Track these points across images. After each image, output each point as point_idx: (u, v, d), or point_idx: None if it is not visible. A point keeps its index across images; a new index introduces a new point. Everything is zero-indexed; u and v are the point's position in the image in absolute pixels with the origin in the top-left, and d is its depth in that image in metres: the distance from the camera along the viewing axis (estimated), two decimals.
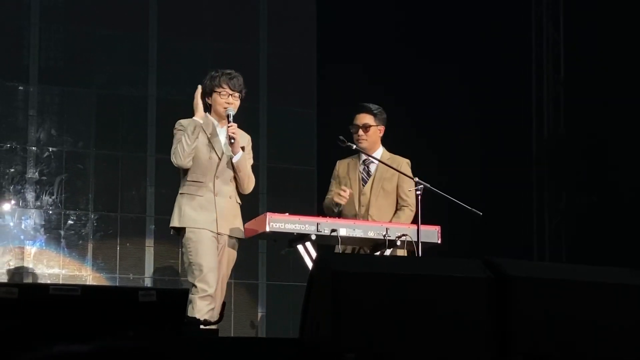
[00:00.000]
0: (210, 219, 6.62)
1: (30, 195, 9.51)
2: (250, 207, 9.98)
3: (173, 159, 6.69)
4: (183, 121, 6.79)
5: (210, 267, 6.51)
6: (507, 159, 10.74)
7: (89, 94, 9.80)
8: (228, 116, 6.72)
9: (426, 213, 6.77)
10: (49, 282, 9.13)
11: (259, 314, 10.05)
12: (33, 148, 9.58)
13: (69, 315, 3.79)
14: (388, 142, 7.47)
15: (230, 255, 6.77)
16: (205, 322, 4.54)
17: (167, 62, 10.05)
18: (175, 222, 6.69)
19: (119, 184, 9.74)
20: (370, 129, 7.25)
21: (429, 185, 6.84)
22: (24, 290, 3.86)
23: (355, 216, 7.12)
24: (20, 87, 9.63)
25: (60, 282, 9.16)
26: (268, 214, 6.65)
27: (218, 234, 6.64)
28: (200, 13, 10.27)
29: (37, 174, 9.55)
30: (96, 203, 9.62)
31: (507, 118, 10.85)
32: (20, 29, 9.68)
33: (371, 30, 10.45)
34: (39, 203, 9.52)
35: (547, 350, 4.35)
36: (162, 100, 9.95)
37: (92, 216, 9.59)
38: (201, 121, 6.69)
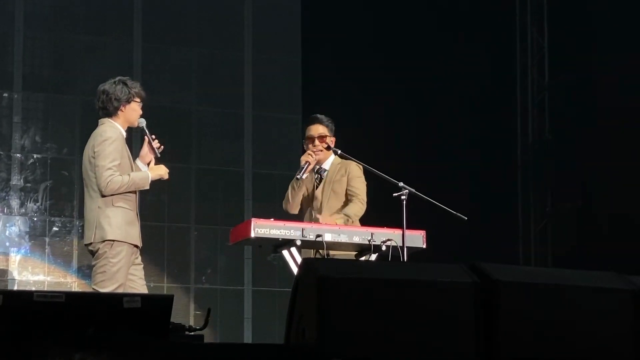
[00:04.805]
0: (137, 234, 6.57)
1: (14, 202, 9.48)
2: (235, 212, 10.02)
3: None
4: (115, 159, 6.62)
5: (123, 285, 6.43)
6: (492, 164, 10.76)
7: (74, 101, 9.77)
8: (142, 128, 6.77)
9: (411, 218, 6.78)
10: (33, 289, 9.10)
11: (245, 320, 10.03)
12: (18, 155, 9.55)
13: (53, 321, 3.78)
14: (375, 146, 7.49)
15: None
16: (191, 328, 4.53)
17: (152, 68, 10.03)
18: (111, 235, 6.44)
19: None
20: (326, 139, 7.32)
21: (414, 190, 6.85)
22: (8, 297, 3.84)
23: (310, 219, 7.18)
24: (5, 94, 9.60)
25: (45, 289, 9.13)
26: (253, 219, 6.66)
27: (138, 247, 6.60)
28: (185, 19, 10.26)
29: (21, 180, 9.52)
30: (81, 210, 9.55)
31: (492, 123, 10.87)
32: (5, 35, 9.65)
33: (356, 36, 10.46)
34: (23, 210, 9.49)
35: (533, 354, 4.36)
36: (146, 106, 9.90)
37: (77, 223, 9.56)
38: (143, 171, 6.67)
